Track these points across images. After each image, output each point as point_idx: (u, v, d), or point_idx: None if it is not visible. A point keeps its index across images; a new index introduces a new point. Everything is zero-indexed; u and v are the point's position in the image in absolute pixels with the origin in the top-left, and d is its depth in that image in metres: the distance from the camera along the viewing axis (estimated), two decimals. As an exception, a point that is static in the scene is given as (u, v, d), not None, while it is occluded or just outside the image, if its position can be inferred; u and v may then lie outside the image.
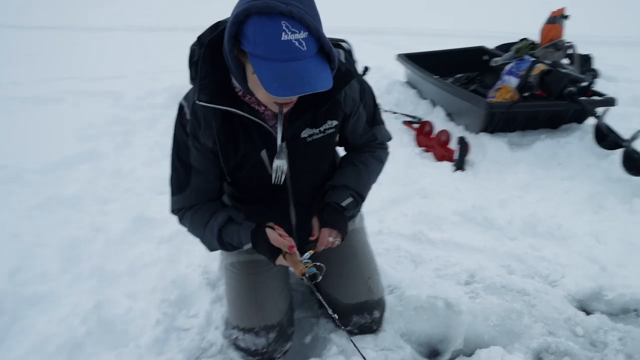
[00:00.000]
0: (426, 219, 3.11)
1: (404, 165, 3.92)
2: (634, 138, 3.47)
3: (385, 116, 4.62)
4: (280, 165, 1.68)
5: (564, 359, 2.10)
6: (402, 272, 2.60)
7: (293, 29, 1.30)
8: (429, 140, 4.18)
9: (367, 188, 1.94)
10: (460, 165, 3.80)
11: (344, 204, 1.82)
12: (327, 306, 1.73)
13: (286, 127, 1.65)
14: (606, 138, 3.67)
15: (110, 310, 2.31)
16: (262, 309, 1.96)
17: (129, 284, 2.53)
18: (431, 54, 5.75)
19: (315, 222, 1.81)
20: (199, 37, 1.61)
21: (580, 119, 4.21)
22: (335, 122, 1.76)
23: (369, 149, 1.97)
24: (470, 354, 2.14)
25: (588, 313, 2.37)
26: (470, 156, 3.93)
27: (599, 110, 3.82)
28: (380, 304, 2.15)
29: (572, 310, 2.36)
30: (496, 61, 4.67)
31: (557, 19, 4.35)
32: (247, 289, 1.97)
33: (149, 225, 3.04)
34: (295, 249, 1.66)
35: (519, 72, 4.02)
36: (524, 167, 3.76)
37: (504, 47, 5.62)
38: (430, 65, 5.18)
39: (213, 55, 1.53)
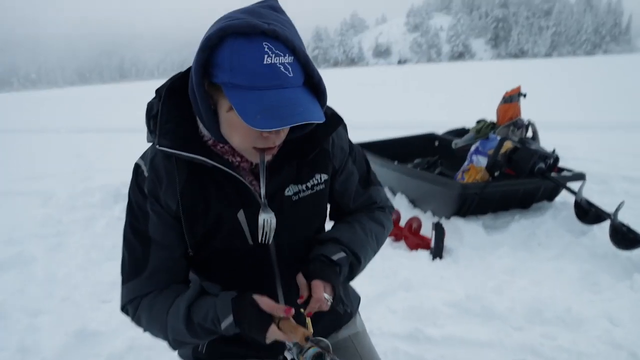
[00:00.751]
0: (418, 314, 2.74)
1: (377, 257, 3.58)
2: (617, 210, 3.34)
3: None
4: (267, 218, 1.29)
5: None
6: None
7: (277, 51, 1.06)
8: (399, 230, 3.90)
9: (363, 248, 1.44)
10: (438, 253, 3.52)
11: (334, 257, 1.36)
12: None
13: (267, 184, 1.30)
14: (588, 213, 3.52)
15: None
16: None
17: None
18: (385, 142, 5.65)
19: (301, 280, 1.34)
20: (157, 90, 1.31)
21: (550, 197, 4.10)
22: (325, 176, 1.40)
23: (367, 211, 1.54)
24: None
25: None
26: (446, 242, 3.67)
27: (575, 186, 3.71)
28: None
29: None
30: (456, 143, 4.56)
31: (514, 97, 4.34)
32: None
33: (94, 340, 2.52)
34: (292, 312, 1.21)
35: (487, 151, 3.90)
36: (506, 250, 3.52)
37: (454, 133, 5.62)
38: (385, 153, 5.04)
39: (176, 101, 1.26)
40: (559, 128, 8.44)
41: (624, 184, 4.99)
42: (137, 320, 1.34)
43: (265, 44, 1.06)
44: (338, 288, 1.33)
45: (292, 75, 1.07)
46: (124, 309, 1.36)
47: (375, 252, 1.51)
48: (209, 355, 1.48)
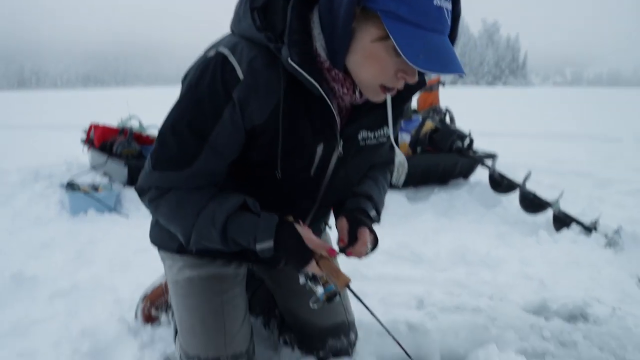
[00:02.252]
0: (353, 261, 2.92)
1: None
2: (525, 180, 3.71)
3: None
4: (402, 162, 1.45)
5: (545, 358, 1.99)
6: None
7: None
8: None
9: (382, 206, 1.63)
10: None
11: (371, 214, 1.52)
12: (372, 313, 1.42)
13: (345, 123, 1.35)
14: (501, 184, 3.88)
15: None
16: (230, 334, 1.57)
17: (18, 343, 1.94)
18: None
19: (344, 225, 1.43)
20: None
21: (466, 175, 4.45)
22: (388, 133, 1.46)
23: (382, 169, 1.70)
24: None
25: (546, 320, 2.31)
26: (373, 212, 3.90)
27: (489, 162, 4.07)
28: (354, 327, 1.88)
29: (532, 318, 2.30)
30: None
31: (434, 87, 4.73)
32: (212, 310, 1.56)
33: (33, 283, 2.47)
34: (336, 254, 1.33)
35: (410, 130, 4.21)
36: (429, 215, 3.81)
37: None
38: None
39: (303, 12, 1.19)
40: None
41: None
42: (154, 205, 1.33)
43: None
44: (377, 239, 1.46)
45: (449, 22, 1.10)
46: (143, 190, 1.33)
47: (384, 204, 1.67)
48: (198, 253, 1.55)
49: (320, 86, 1.18)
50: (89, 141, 4.75)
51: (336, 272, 1.28)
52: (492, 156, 4.29)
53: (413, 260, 2.95)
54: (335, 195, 1.53)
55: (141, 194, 1.34)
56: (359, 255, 1.41)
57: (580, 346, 2.08)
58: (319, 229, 1.72)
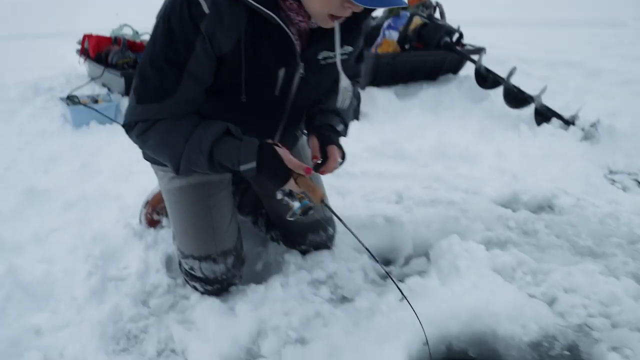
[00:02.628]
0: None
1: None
2: (509, 75, 3.78)
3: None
4: (347, 86, 1.55)
5: (507, 246, 2.20)
6: (332, 202, 2.54)
7: None
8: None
9: (349, 119, 1.75)
10: (355, 115, 3.87)
11: (338, 128, 1.64)
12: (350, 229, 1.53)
13: (305, 45, 1.45)
14: (486, 79, 3.96)
15: (26, 275, 1.96)
16: (219, 234, 1.76)
17: (38, 250, 2.17)
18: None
19: (314, 142, 1.58)
20: None
21: (455, 70, 4.51)
22: (350, 49, 1.56)
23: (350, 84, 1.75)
24: (422, 255, 2.16)
25: (513, 211, 2.52)
26: (362, 108, 4.02)
27: (477, 57, 4.11)
28: (332, 221, 2.08)
29: (500, 210, 2.50)
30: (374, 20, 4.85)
31: (423, -20, 4.64)
32: (201, 214, 1.75)
33: (46, 196, 2.66)
34: (312, 172, 1.45)
35: (398, 27, 4.21)
36: (416, 112, 3.94)
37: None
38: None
39: None
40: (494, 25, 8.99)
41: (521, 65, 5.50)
42: (143, 138, 1.44)
43: None
44: (345, 154, 1.59)
45: None
46: (130, 125, 1.43)
47: (352, 118, 1.79)
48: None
49: (277, 16, 1.30)
50: (84, 52, 4.79)
51: (312, 188, 1.44)
52: (480, 50, 4.32)
53: (396, 157, 3.13)
54: (301, 112, 1.67)
55: (128, 130, 1.45)
56: (331, 171, 1.57)
57: (540, 234, 2.31)
58: (294, 136, 1.87)
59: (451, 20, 4.67)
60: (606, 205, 2.56)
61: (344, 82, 1.56)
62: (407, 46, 4.16)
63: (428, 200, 2.59)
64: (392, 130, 3.61)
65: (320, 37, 1.45)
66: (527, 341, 1.61)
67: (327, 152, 1.55)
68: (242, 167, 1.39)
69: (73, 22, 11.68)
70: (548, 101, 3.74)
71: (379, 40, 4.41)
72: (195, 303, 1.79)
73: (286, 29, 1.33)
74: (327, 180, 2.74)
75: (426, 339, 1.42)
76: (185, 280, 1.86)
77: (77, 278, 1.95)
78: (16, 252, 2.17)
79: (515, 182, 2.79)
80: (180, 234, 1.81)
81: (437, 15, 4.61)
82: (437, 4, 4.64)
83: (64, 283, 1.94)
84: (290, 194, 1.51)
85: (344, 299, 1.83)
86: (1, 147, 3.51)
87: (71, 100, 3.99)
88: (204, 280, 1.79)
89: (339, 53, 1.51)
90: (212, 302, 1.77)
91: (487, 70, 3.97)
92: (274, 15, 1.29)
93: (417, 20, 4.17)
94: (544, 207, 2.61)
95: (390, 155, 3.14)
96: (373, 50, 4.43)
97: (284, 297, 1.78)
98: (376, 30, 4.48)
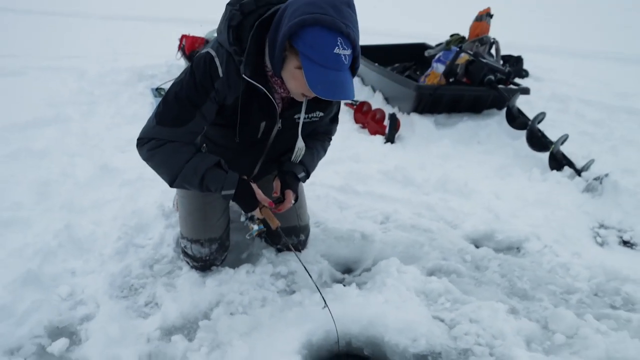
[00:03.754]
0: (355, 177, 3.58)
1: (343, 137, 4.38)
2: (536, 119, 4.04)
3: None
4: (301, 147, 2.12)
5: (451, 276, 2.58)
6: (329, 213, 3.06)
7: (344, 46, 1.63)
8: (365, 118, 4.68)
9: (314, 167, 2.33)
10: (390, 138, 4.31)
11: (299, 175, 2.20)
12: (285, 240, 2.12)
13: (286, 108, 2.02)
14: (516, 119, 4.24)
15: (78, 231, 2.69)
16: (208, 225, 2.38)
17: (94, 215, 2.91)
18: (378, 47, 6.26)
19: (277, 184, 2.15)
20: (241, 5, 1.81)
21: (499, 106, 4.76)
22: (321, 114, 2.13)
23: (322, 138, 2.37)
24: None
25: (478, 247, 2.88)
26: (401, 132, 4.46)
27: (515, 96, 4.37)
28: (305, 229, 2.62)
29: (465, 244, 2.86)
30: (429, 52, 5.23)
31: (483, 17, 4.92)
32: (196, 208, 2.37)
33: (113, 173, 3.41)
34: (273, 206, 2.05)
35: (446, 61, 4.58)
36: (447, 142, 4.27)
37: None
38: (376, 57, 5.69)
39: (260, 34, 1.79)
40: (547, 51, 8.90)
41: (579, 105, 5.59)
42: (150, 153, 1.92)
43: (339, 39, 1.60)
44: (298, 196, 2.23)
45: (346, 63, 1.68)
46: (143, 140, 1.95)
47: (317, 165, 2.37)
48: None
49: (265, 87, 1.86)
50: (181, 49, 5.60)
51: (271, 218, 2.03)
52: (525, 91, 4.56)
53: (403, 183, 3.55)
54: (276, 153, 2.25)
55: (140, 143, 1.98)
56: (285, 209, 2.14)
57: (487, 271, 2.66)
58: (268, 171, 2.43)
59: (525, 47, 4.81)
60: (567, 256, 2.80)
61: (300, 143, 2.12)
62: (451, 79, 4.52)
63: (408, 225, 3.00)
64: (415, 156, 4.02)
65: (296, 104, 2.01)
66: (412, 352, 2.04)
67: (284, 195, 2.13)
68: (224, 192, 1.97)
69: (184, 9, 12.74)
70: (580, 148, 3.95)
71: (428, 70, 4.80)
72: (183, 274, 2.43)
73: (270, 96, 1.89)
74: (334, 194, 3.28)
75: (336, 328, 1.97)
76: (181, 255, 2.50)
77: (110, 240, 2.66)
78: (78, 213, 2.92)
79: (496, 221, 3.10)
80: (181, 220, 2.44)
81: (493, 51, 4.90)
82: (494, 41, 4.92)
83: (100, 242, 2.65)
84: (251, 219, 2.11)
85: (290, 292, 2.37)
86: (95, 126, 4.35)
87: (158, 91, 4.78)
88: (192, 258, 2.41)
89: (302, 119, 2.06)
90: (194, 275, 2.40)
91: (519, 111, 4.24)
92: (262, 87, 1.85)
93: (464, 57, 4.51)
94: (512, 248, 2.91)
95: (398, 180, 3.57)
96: (422, 79, 4.83)
97: (245, 281, 2.37)
98: (428, 61, 4.86)
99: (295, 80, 1.76)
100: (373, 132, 4.50)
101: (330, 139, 2.44)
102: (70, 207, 2.95)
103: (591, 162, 3.73)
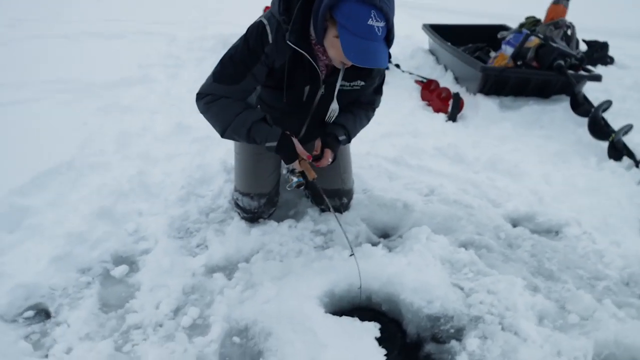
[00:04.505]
0: (409, 150, 3.74)
1: (407, 112, 4.55)
2: (600, 107, 3.99)
3: (402, 75, 5.26)
4: (334, 108, 2.32)
5: (481, 250, 2.70)
6: (378, 182, 3.24)
7: (377, 18, 1.80)
8: (431, 95, 4.78)
9: (355, 132, 2.49)
10: (452, 117, 4.41)
11: (340, 138, 2.39)
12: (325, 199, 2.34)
13: (329, 75, 2.22)
14: (580, 106, 4.20)
15: (149, 178, 3.07)
16: (259, 180, 2.65)
17: (165, 165, 3.28)
18: (454, 26, 6.27)
19: (318, 143, 2.34)
20: None
21: (569, 92, 4.70)
22: (362, 83, 2.32)
23: (366, 107, 2.53)
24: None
25: (515, 226, 2.97)
26: (465, 112, 4.53)
27: (582, 83, 4.33)
28: (349, 193, 2.84)
29: (502, 222, 2.95)
30: (502, 34, 5.19)
31: (560, 0, 4.84)
32: (250, 165, 2.64)
33: (187, 130, 3.78)
34: (311, 159, 2.27)
35: (516, 43, 4.57)
36: (508, 124, 4.31)
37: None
38: (452, 36, 5.73)
39: (305, 7, 1.98)
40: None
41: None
42: (207, 106, 2.18)
43: (373, 12, 1.76)
44: (336, 156, 2.40)
45: (380, 34, 1.85)
46: (201, 95, 2.23)
47: (359, 131, 2.52)
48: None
49: (309, 54, 2.07)
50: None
51: (309, 169, 2.24)
52: (596, 78, 4.47)
53: (455, 160, 3.67)
54: (320, 117, 2.44)
55: (199, 97, 2.26)
56: (323, 165, 2.33)
57: (519, 250, 2.75)
58: (315, 134, 2.55)
59: (614, 33, 4.63)
60: (605, 243, 2.82)
61: (334, 105, 2.32)
62: (519, 62, 4.52)
63: (451, 200, 3.13)
64: (472, 135, 4.11)
65: (339, 72, 2.21)
66: (426, 312, 2.20)
67: (324, 152, 2.33)
68: (267, 144, 2.22)
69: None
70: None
71: (497, 52, 4.80)
72: (233, 222, 2.73)
73: (313, 62, 2.11)
74: (386, 165, 3.46)
75: (360, 280, 2.20)
76: (233, 206, 2.80)
77: (175, 188, 3.02)
78: (151, 162, 3.30)
79: (539, 204, 3.16)
80: (235, 174, 2.74)
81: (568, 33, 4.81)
82: (570, 25, 4.83)
83: (167, 189, 3.02)
84: (292, 172, 2.34)
85: (325, 247, 2.61)
86: (178, 88, 4.77)
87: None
88: (242, 209, 2.70)
89: (338, 84, 2.25)
90: (242, 224, 2.70)
91: (585, 97, 4.20)
92: (306, 54, 2.07)
93: (535, 40, 4.48)
94: (551, 231, 2.96)
95: (450, 156, 3.70)
96: (490, 61, 4.85)
97: (286, 234, 2.64)
98: (498, 42, 4.86)
99: (334, 48, 1.95)
100: (437, 110, 4.61)
101: (374, 109, 2.59)
102: (145, 157, 3.34)
103: (655, 153, 3.67)
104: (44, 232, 2.53)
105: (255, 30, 2.09)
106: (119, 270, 2.39)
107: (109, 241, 2.54)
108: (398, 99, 4.86)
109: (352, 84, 2.29)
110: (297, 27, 2.01)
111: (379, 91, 2.53)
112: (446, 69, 5.54)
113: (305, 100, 2.31)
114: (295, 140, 2.24)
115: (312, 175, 2.23)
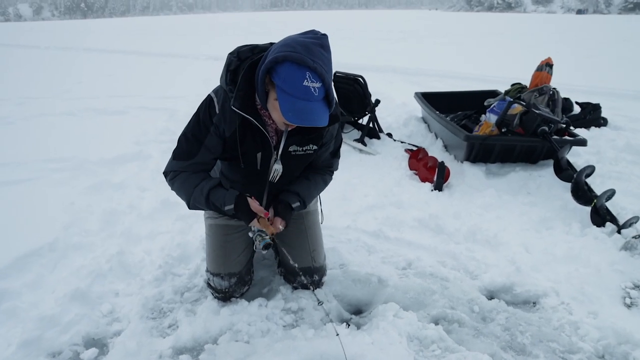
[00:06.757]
0: (390, 222, 3.79)
1: (393, 183, 4.62)
2: (582, 172, 4.01)
3: (394, 144, 5.36)
4: (277, 168, 2.41)
5: (453, 325, 2.69)
6: (355, 256, 3.29)
7: (312, 79, 1.90)
8: (418, 164, 4.85)
9: (311, 198, 2.59)
10: (438, 186, 4.46)
11: (293, 205, 2.48)
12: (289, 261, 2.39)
13: (279, 141, 2.33)
14: (563, 171, 4.23)
15: (129, 258, 3.17)
16: (228, 261, 2.71)
17: (146, 244, 3.39)
18: (445, 94, 6.43)
19: (271, 211, 2.44)
20: (239, 52, 2.15)
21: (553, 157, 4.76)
22: (314, 147, 2.43)
23: (322, 172, 2.64)
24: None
25: (491, 299, 2.96)
26: (451, 180, 4.59)
27: (566, 148, 4.37)
28: (319, 270, 2.87)
29: (477, 295, 2.94)
30: (489, 101, 5.32)
31: (543, 67, 4.97)
32: (218, 245, 2.72)
33: (172, 207, 3.91)
34: (269, 215, 2.36)
35: (499, 111, 4.67)
36: (493, 191, 4.33)
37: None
38: (444, 104, 5.87)
39: (249, 75, 2.10)
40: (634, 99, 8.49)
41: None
42: (171, 182, 2.35)
43: (307, 73, 1.85)
44: (289, 222, 2.47)
45: (317, 94, 1.94)
46: (166, 173, 2.40)
47: (316, 196, 2.64)
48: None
49: (257, 119, 2.18)
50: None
51: (267, 226, 2.32)
52: (582, 142, 4.51)
53: (435, 231, 3.71)
54: (278, 185, 2.52)
55: (165, 175, 2.41)
56: (276, 232, 2.38)
57: (492, 323, 2.72)
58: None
59: (611, 94, 4.66)
60: (582, 314, 2.79)
61: (277, 165, 2.39)
62: (504, 129, 4.60)
63: (427, 273, 3.15)
64: (455, 205, 4.14)
65: (292, 136, 2.31)
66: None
67: (274, 221, 2.39)
68: (226, 208, 2.31)
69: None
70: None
71: (482, 120, 4.90)
72: (205, 302, 2.77)
73: (261, 127, 2.22)
74: (365, 239, 3.50)
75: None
76: (206, 286, 2.84)
77: (153, 267, 3.09)
78: (133, 242, 3.41)
79: (517, 274, 3.14)
80: (206, 254, 2.81)
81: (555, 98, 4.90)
82: (554, 91, 4.93)
83: (146, 269, 3.09)
84: (259, 234, 2.38)
85: (295, 325, 2.63)
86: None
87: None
88: (214, 289, 2.75)
89: (281, 145, 2.34)
90: (214, 304, 2.74)
91: (568, 162, 4.23)
92: (252, 119, 2.18)
93: (517, 108, 4.57)
94: (528, 302, 2.94)
95: (431, 228, 3.73)
96: (476, 129, 4.94)
97: (256, 313, 2.67)
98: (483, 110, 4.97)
99: (275, 111, 2.04)
100: (423, 179, 4.67)
101: (332, 173, 2.69)
102: (128, 235, 3.44)
103: (635, 219, 3.65)
104: (18, 316, 2.61)
105: (204, 104, 2.24)
106: (88, 354, 2.44)
107: (81, 324, 2.60)
108: (386, 169, 4.95)
109: (304, 148, 2.39)
110: (242, 94, 2.12)
111: (336, 154, 2.62)
112: (436, 137, 5.64)
113: (260, 168, 2.41)
114: (251, 200, 2.31)
115: (270, 231, 2.31)
